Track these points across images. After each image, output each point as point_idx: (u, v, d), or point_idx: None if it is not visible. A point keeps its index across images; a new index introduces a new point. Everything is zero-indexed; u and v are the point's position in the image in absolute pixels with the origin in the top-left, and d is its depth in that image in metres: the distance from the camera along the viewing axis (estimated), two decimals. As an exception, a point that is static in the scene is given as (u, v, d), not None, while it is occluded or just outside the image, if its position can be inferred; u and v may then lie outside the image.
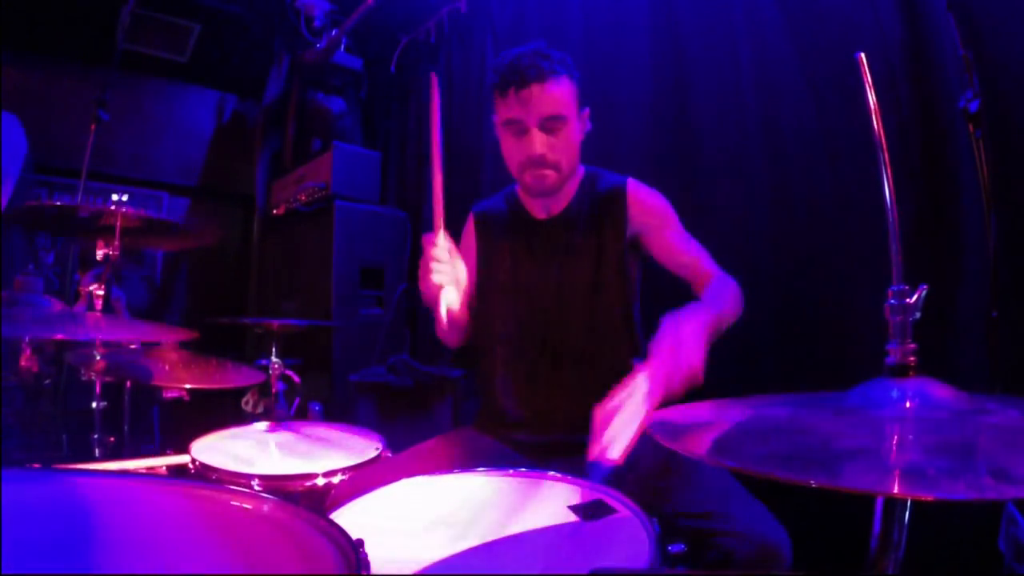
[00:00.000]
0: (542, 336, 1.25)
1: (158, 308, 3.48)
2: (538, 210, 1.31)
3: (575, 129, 1.21)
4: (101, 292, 1.54)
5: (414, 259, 2.84)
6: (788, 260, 1.57)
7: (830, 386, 0.72)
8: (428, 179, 1.06)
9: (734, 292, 1.14)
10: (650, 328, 1.22)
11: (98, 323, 1.24)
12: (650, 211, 1.26)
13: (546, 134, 1.17)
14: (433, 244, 1.04)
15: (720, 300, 1.09)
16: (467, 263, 1.38)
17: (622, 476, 0.89)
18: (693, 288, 1.22)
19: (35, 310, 0.96)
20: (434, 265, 1.03)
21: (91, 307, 1.51)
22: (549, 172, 1.20)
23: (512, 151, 1.22)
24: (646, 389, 0.84)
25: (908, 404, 0.59)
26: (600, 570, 0.62)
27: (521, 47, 1.18)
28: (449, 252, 1.05)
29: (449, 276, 1.04)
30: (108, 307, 1.54)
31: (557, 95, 1.15)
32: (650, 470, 1.03)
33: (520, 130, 1.18)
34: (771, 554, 0.83)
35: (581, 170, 1.32)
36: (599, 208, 1.26)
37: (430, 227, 1.07)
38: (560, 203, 1.29)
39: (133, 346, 1.71)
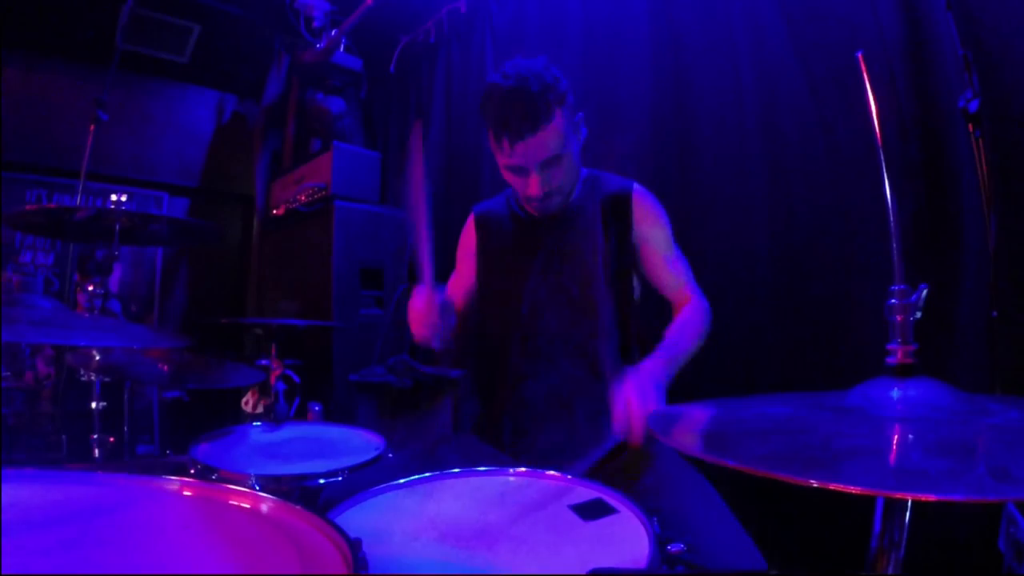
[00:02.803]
0: (542, 336, 1.24)
1: (158, 308, 3.48)
2: (535, 209, 1.30)
3: (574, 151, 1.21)
4: (101, 292, 1.54)
5: (414, 259, 2.84)
6: (788, 260, 1.56)
7: (830, 386, 0.72)
8: (414, 230, 1.05)
9: (702, 322, 1.21)
10: (647, 331, 1.24)
11: (95, 327, 1.24)
12: (652, 222, 1.27)
13: (547, 172, 1.18)
14: (421, 299, 1.10)
15: (684, 338, 1.17)
16: (467, 263, 1.39)
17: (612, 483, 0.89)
18: (670, 304, 1.27)
19: (33, 312, 0.96)
20: (421, 321, 1.11)
21: (86, 307, 1.51)
22: (553, 198, 1.23)
23: (515, 184, 1.25)
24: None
25: (908, 404, 0.59)
26: (600, 570, 0.62)
27: (504, 79, 1.16)
28: (436, 306, 1.10)
29: (435, 329, 1.11)
30: (104, 312, 1.54)
31: (552, 136, 1.14)
32: (638, 489, 1.02)
33: (521, 172, 1.19)
34: None
35: (583, 172, 1.32)
36: (603, 209, 1.26)
37: (418, 275, 1.09)
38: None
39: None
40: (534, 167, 1.16)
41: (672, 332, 1.18)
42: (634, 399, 0.97)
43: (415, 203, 1.03)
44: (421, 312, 1.11)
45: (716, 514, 0.95)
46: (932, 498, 0.41)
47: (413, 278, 2.82)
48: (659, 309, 1.30)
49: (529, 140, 1.12)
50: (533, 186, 1.18)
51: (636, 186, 1.28)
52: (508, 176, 1.23)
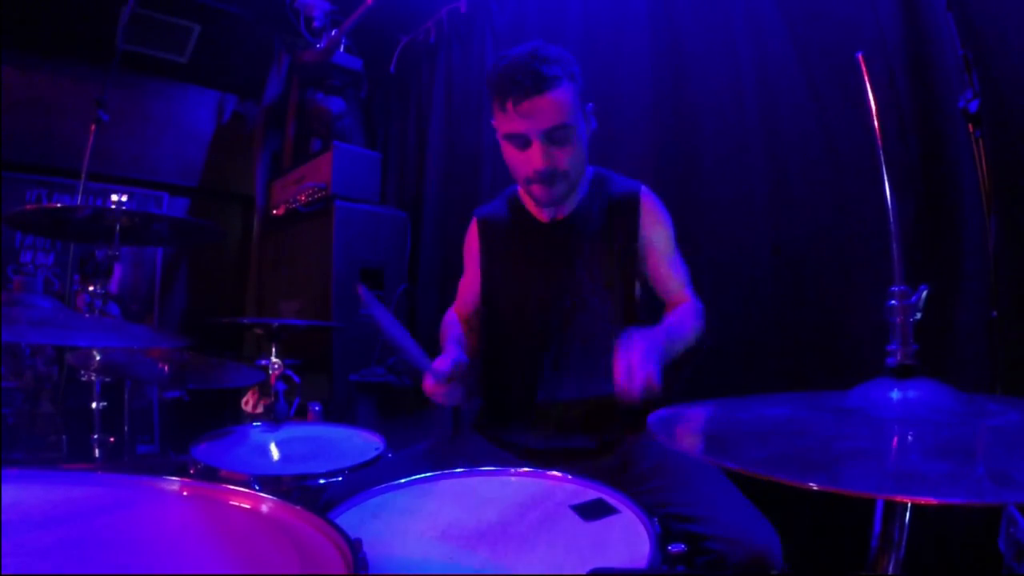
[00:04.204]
0: (547, 341, 1.24)
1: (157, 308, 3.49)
2: (543, 213, 1.27)
3: (581, 133, 1.16)
4: (101, 293, 1.54)
5: (414, 259, 2.84)
6: (788, 260, 1.56)
7: (830, 386, 0.72)
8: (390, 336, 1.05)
9: (698, 321, 1.19)
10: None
11: (95, 327, 1.24)
12: (658, 225, 1.25)
13: (551, 145, 1.11)
14: (429, 381, 1.07)
15: (681, 325, 1.14)
16: (471, 268, 1.38)
17: (615, 477, 0.89)
18: (666, 309, 1.25)
19: (33, 312, 0.96)
20: (436, 395, 1.08)
21: (89, 308, 1.51)
22: (558, 184, 1.16)
23: (516, 163, 1.17)
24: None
25: (908, 405, 0.59)
26: (600, 570, 0.62)
27: (516, 49, 1.12)
28: (447, 377, 1.07)
29: (451, 398, 1.09)
30: (103, 315, 1.54)
31: (559, 103, 1.08)
32: (643, 472, 1.03)
33: (522, 143, 1.13)
34: (761, 560, 0.83)
35: (589, 171, 1.29)
36: (610, 212, 1.24)
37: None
38: (566, 206, 1.26)
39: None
40: (537, 136, 1.10)
41: (668, 318, 1.17)
42: (636, 355, 0.92)
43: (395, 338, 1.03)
44: (432, 392, 1.09)
45: (722, 489, 0.95)
46: (931, 501, 0.41)
47: (413, 278, 2.83)
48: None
49: (534, 100, 1.07)
50: (535, 158, 1.11)
51: (643, 188, 1.26)
52: (509, 152, 1.17)
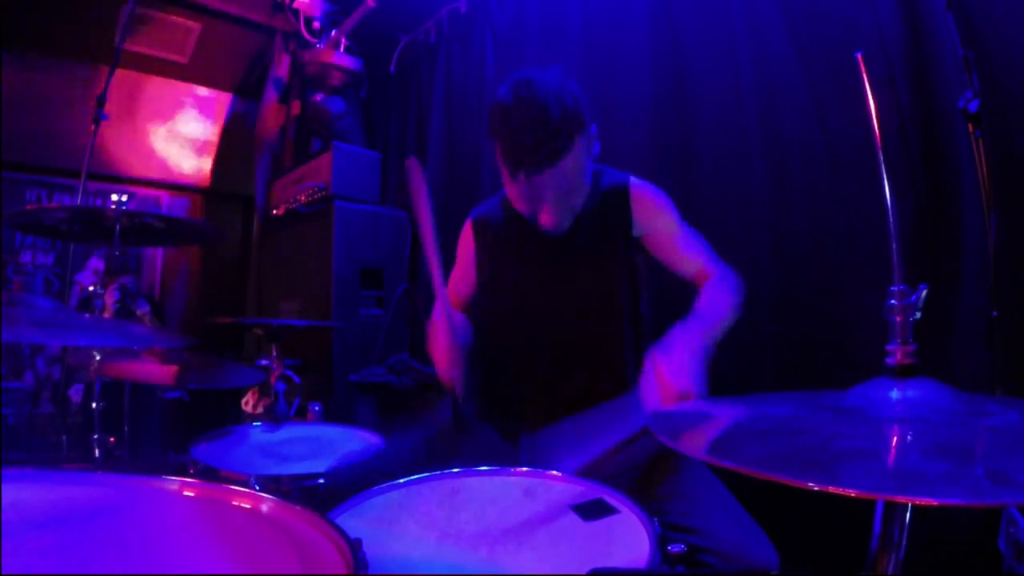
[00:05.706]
0: (547, 340, 1.23)
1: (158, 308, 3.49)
2: None
3: (587, 170, 1.17)
4: (101, 292, 1.54)
5: (414, 259, 2.84)
6: (788, 260, 1.56)
7: (830, 386, 0.72)
8: (423, 250, 1.01)
9: (732, 292, 1.15)
10: (658, 326, 1.23)
11: (95, 327, 1.24)
12: (653, 210, 1.24)
13: (562, 197, 1.13)
14: (438, 316, 1.04)
15: (715, 307, 1.10)
16: (466, 268, 1.38)
17: (614, 484, 0.89)
18: (695, 285, 1.22)
19: (33, 312, 0.96)
20: (446, 360, 1.04)
21: (91, 308, 1.51)
22: (564, 223, 1.19)
23: (522, 209, 1.19)
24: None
25: (908, 405, 0.59)
26: (600, 570, 0.62)
27: (518, 100, 1.07)
28: (452, 320, 1.04)
29: (455, 346, 1.04)
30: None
31: (572, 166, 1.08)
32: (640, 481, 1.02)
33: (533, 200, 1.14)
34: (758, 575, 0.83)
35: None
36: (601, 208, 1.24)
37: (430, 292, 1.06)
38: None
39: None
40: (551, 198, 1.11)
41: (700, 303, 1.12)
42: (667, 374, 0.88)
43: (424, 231, 0.98)
44: (445, 349, 1.05)
45: (722, 502, 0.95)
46: (930, 502, 0.41)
47: (414, 278, 2.83)
48: (672, 306, 1.29)
49: (547, 173, 1.06)
50: (547, 217, 1.13)
51: (632, 180, 1.26)
52: (513, 197, 1.18)
